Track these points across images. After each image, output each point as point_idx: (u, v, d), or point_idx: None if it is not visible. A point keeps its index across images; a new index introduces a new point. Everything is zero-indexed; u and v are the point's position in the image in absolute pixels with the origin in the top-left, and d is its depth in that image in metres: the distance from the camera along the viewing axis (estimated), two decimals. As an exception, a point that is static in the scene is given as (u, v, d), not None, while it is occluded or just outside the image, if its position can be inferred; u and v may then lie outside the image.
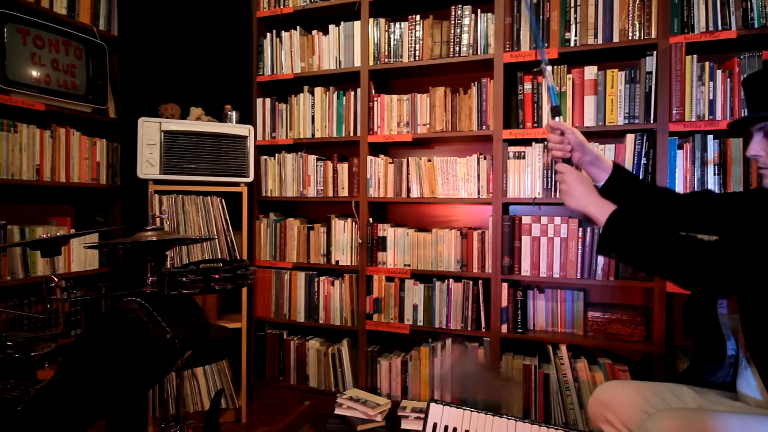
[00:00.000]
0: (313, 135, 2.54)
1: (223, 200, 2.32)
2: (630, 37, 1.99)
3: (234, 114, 2.41)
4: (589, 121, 2.06)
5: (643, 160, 1.98)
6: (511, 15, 2.16)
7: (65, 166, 2.20)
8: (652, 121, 1.96)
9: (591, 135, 2.13)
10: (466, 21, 2.23)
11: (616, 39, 2.00)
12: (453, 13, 2.24)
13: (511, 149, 2.17)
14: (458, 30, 2.25)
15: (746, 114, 1.20)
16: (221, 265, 1.20)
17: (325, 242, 2.50)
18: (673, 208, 1.33)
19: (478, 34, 2.22)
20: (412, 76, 2.53)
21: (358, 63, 2.42)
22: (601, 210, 1.13)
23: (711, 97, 1.88)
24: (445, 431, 1.44)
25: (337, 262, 2.47)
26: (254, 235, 2.62)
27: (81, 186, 2.28)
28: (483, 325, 2.22)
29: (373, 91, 2.45)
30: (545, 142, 2.12)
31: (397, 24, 2.36)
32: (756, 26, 1.81)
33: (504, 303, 2.16)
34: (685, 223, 1.33)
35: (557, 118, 1.27)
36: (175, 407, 1.41)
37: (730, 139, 1.86)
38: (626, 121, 2.01)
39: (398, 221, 2.65)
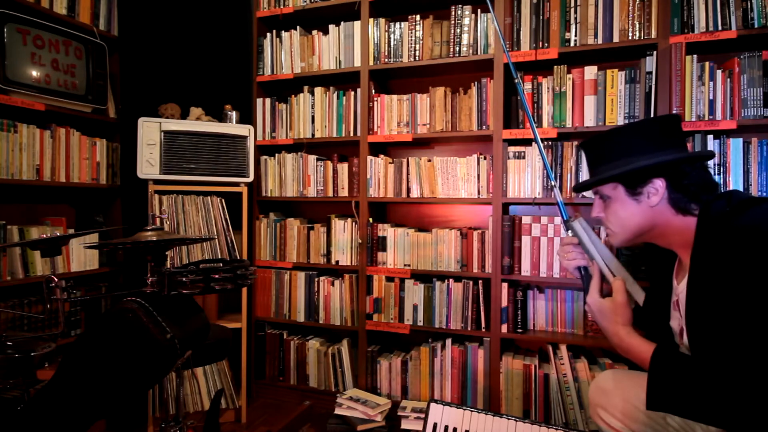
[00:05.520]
0: (313, 135, 2.54)
1: (223, 200, 2.32)
2: (630, 37, 1.98)
3: (234, 114, 2.41)
4: (589, 121, 2.06)
5: (643, 160, 1.97)
6: (511, 15, 2.16)
7: (65, 166, 2.20)
8: (652, 121, 1.96)
9: (591, 135, 2.13)
10: (466, 21, 2.23)
11: (616, 39, 2.00)
12: (453, 13, 2.24)
13: (511, 149, 2.17)
14: (458, 30, 2.25)
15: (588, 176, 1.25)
16: (221, 265, 1.20)
17: (325, 242, 2.50)
18: None
19: (478, 34, 2.22)
20: (412, 76, 2.53)
21: (358, 63, 2.42)
22: (633, 352, 1.07)
23: (711, 97, 1.88)
24: (445, 431, 1.44)
25: (337, 262, 2.47)
26: (254, 235, 2.62)
27: (81, 186, 2.28)
28: (483, 325, 2.22)
29: (373, 91, 2.45)
30: (545, 142, 2.12)
31: (397, 24, 2.36)
32: (756, 26, 1.81)
33: (504, 303, 2.16)
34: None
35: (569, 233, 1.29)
36: (175, 407, 1.41)
37: (730, 139, 1.86)
38: (626, 121, 2.01)
39: (398, 221, 2.65)
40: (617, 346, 1.14)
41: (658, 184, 1.08)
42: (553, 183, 1.44)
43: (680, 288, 1.13)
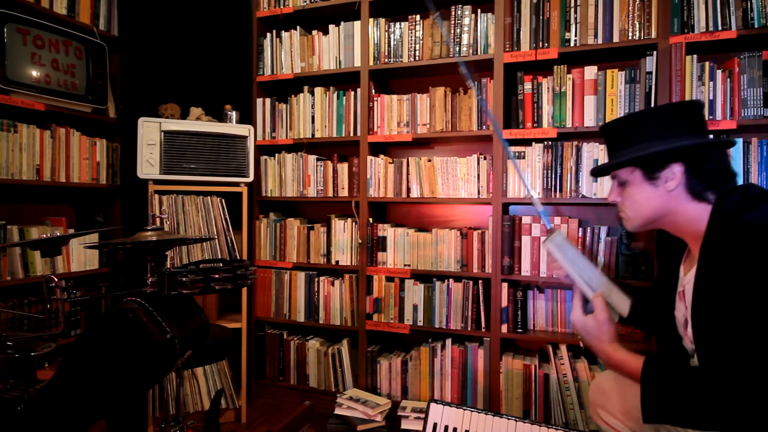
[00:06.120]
0: (313, 135, 2.54)
1: (223, 200, 2.32)
2: (630, 37, 1.98)
3: (234, 114, 2.41)
4: (589, 121, 2.06)
5: (643, 160, 1.97)
6: (511, 15, 2.16)
7: (65, 166, 2.20)
8: (652, 121, 1.96)
9: (591, 135, 2.13)
10: (466, 21, 2.23)
11: (616, 39, 2.00)
12: (453, 13, 2.24)
13: (511, 149, 2.17)
14: (458, 30, 2.24)
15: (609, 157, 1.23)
16: (221, 265, 1.20)
17: (325, 242, 2.50)
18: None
19: (478, 34, 2.22)
20: (412, 76, 2.53)
21: (358, 63, 2.42)
22: (621, 367, 1.08)
23: (711, 97, 1.88)
24: (445, 431, 1.44)
25: (337, 262, 2.47)
26: (254, 235, 2.62)
27: (81, 186, 2.28)
28: (483, 325, 2.22)
29: (373, 91, 2.45)
30: (545, 142, 2.12)
31: (397, 24, 2.36)
32: (756, 26, 1.81)
33: (504, 303, 2.16)
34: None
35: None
36: (175, 407, 1.41)
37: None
38: (626, 121, 2.00)
39: (398, 221, 2.65)
40: (605, 363, 1.13)
41: (677, 169, 1.07)
42: (531, 193, 1.42)
43: (686, 279, 1.12)
